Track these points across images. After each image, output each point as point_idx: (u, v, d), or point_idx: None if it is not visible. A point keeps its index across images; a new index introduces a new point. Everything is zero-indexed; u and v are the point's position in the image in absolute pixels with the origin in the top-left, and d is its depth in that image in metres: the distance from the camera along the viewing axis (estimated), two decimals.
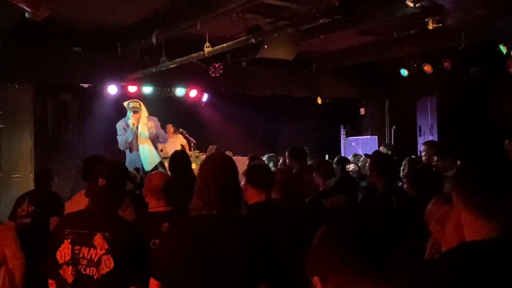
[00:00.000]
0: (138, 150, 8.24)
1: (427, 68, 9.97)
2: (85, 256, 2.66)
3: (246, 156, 6.78)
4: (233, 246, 2.44)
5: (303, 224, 3.53)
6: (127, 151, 8.32)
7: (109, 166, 2.91)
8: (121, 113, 10.58)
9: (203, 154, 9.83)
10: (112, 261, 2.62)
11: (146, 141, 8.28)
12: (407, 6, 5.87)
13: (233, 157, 7.53)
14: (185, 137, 10.56)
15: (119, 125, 8.37)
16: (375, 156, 5.10)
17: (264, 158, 7.16)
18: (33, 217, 5.15)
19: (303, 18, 6.74)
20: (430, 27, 6.95)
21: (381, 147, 9.96)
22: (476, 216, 1.61)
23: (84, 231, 2.70)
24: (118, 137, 8.32)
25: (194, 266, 2.42)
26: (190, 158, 6.05)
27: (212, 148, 9.90)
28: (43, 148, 9.15)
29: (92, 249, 2.66)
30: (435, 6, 6.46)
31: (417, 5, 5.76)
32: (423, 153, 6.88)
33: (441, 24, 6.87)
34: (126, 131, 8.25)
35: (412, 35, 8.36)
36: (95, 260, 2.64)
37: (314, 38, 8.25)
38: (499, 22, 7.20)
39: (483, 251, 1.57)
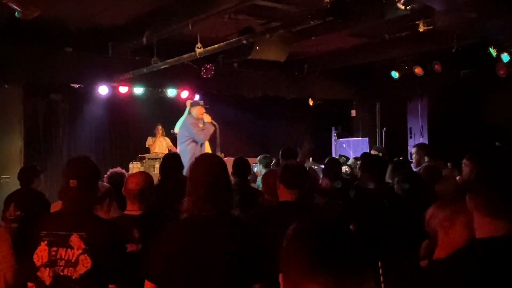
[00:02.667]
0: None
1: (418, 70, 10.00)
2: (63, 257, 2.66)
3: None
4: (224, 246, 2.44)
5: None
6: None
7: (79, 166, 2.87)
8: (113, 113, 10.58)
9: None
10: (89, 260, 2.63)
11: None
12: (398, 8, 5.90)
13: (224, 158, 7.51)
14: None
15: (189, 122, 7.81)
16: (366, 158, 5.09)
17: (258, 159, 7.13)
18: (19, 223, 5.08)
19: (294, 19, 6.76)
20: (421, 30, 6.97)
21: (372, 150, 10.00)
22: (486, 214, 1.63)
23: (60, 232, 2.70)
24: (198, 131, 7.71)
25: (187, 267, 2.43)
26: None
27: None
28: (33, 149, 9.10)
29: (69, 250, 2.66)
30: (426, 9, 6.49)
31: (408, 8, 5.79)
32: (413, 155, 6.90)
33: (432, 27, 6.90)
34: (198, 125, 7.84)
35: (403, 37, 8.38)
36: (73, 260, 2.64)
37: (305, 39, 8.26)
38: (489, 24, 7.26)
39: (494, 247, 1.60)
